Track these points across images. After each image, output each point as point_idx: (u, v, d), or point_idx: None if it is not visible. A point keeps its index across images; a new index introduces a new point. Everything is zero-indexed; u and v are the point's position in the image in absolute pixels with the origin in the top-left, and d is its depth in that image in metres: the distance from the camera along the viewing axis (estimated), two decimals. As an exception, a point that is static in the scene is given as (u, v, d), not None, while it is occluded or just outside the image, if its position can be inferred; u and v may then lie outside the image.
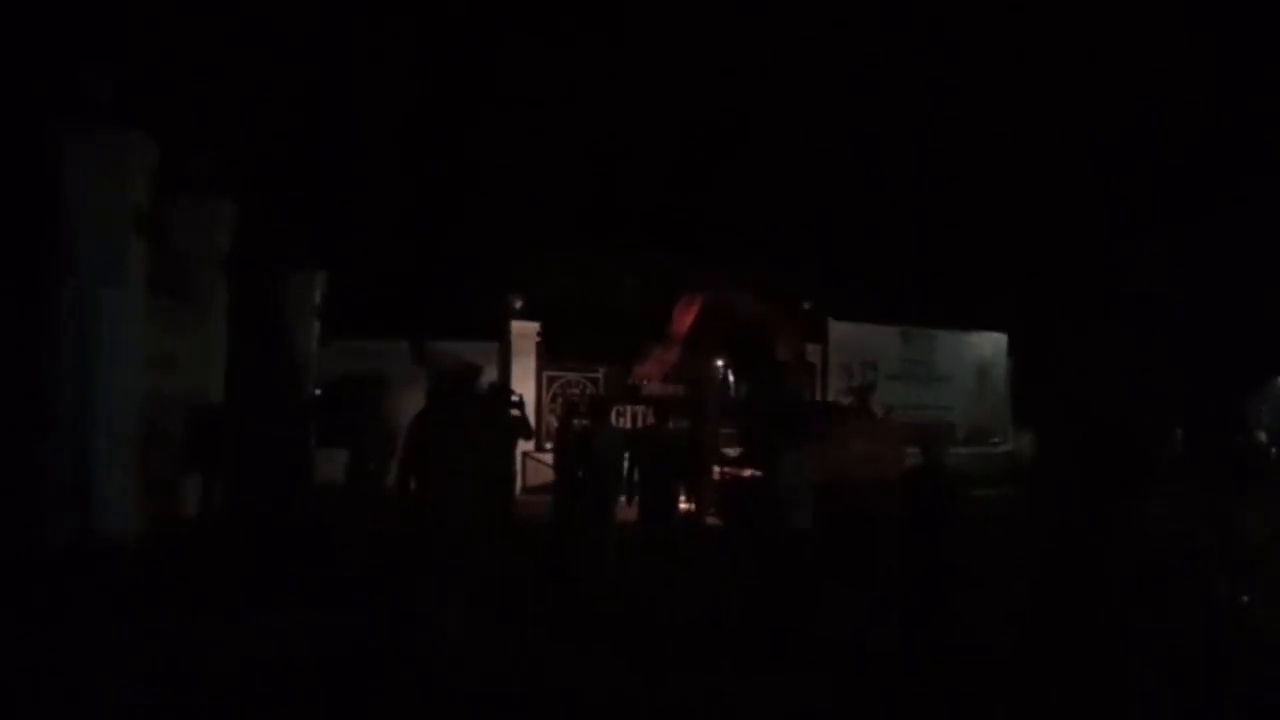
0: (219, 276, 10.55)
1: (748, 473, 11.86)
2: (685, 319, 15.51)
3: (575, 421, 8.46)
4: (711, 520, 10.72)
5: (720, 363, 15.73)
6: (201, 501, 8.51)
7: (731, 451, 12.44)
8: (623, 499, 7.32)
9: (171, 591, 6.04)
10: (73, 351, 7.24)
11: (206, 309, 10.22)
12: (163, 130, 8.08)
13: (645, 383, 15.04)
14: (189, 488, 8.76)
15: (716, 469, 11.60)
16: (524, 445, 11.10)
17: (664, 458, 7.39)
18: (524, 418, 8.19)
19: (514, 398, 8.40)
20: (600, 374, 15.62)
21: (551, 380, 15.46)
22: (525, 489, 12.87)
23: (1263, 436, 22.09)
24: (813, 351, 16.47)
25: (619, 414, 14.40)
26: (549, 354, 15.48)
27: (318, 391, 12.84)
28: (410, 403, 9.41)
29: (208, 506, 8.47)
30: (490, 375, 13.95)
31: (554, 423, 14.04)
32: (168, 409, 8.70)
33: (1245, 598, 3.96)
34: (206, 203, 10.27)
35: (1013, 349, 20.16)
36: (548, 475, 10.21)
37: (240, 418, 9.36)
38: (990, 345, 19.97)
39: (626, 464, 7.24)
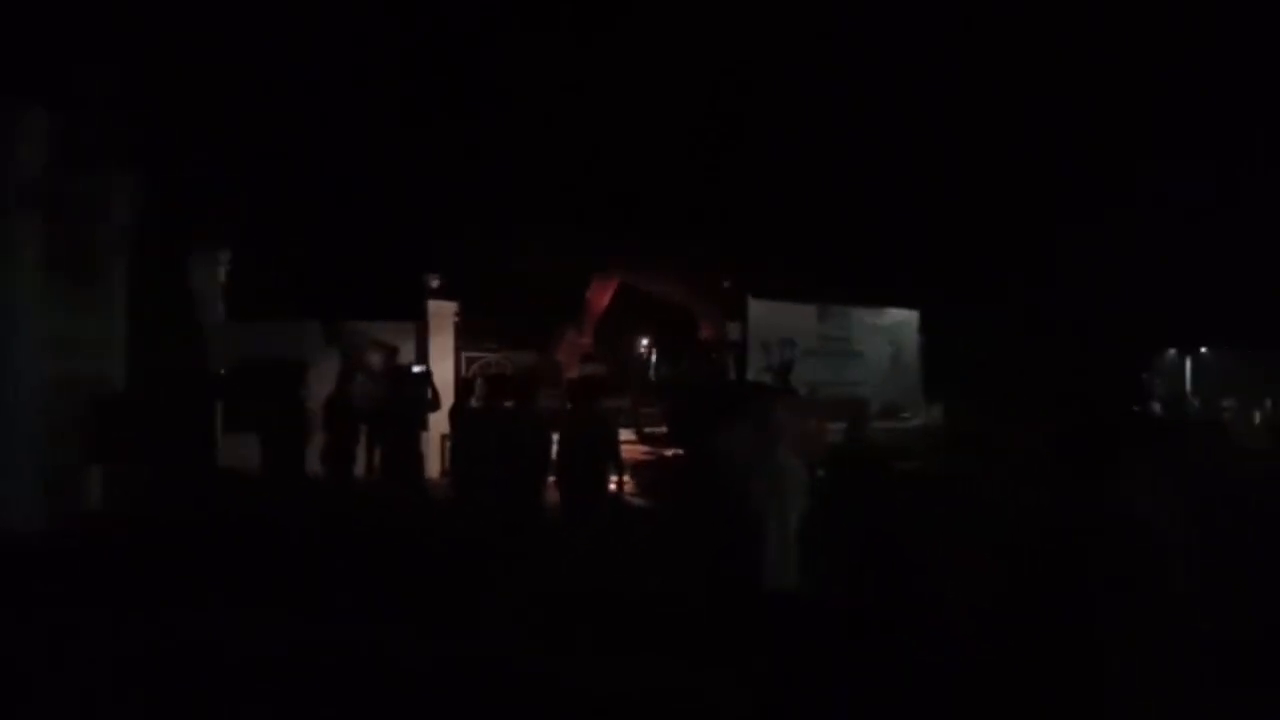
0: (120, 254, 9.99)
1: (670, 452, 11.93)
2: (600, 300, 15.35)
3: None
4: (635, 500, 10.72)
5: (644, 341, 15.72)
6: (105, 494, 8.09)
7: (655, 430, 12.47)
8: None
9: (91, 592, 5.67)
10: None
11: (107, 288, 9.66)
12: (56, 99, 7.60)
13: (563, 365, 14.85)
14: (92, 479, 8.32)
15: (641, 448, 11.63)
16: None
17: (591, 439, 7.33)
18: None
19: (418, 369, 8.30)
20: (527, 354, 15.26)
21: (470, 361, 15.18)
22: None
23: (1157, 408, 23.29)
24: (733, 329, 16.56)
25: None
26: (467, 334, 15.18)
27: (221, 373, 12.34)
28: (321, 385, 9.17)
29: (113, 499, 8.06)
30: (406, 355, 13.65)
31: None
32: (68, 395, 8.23)
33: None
34: (105, 176, 9.69)
35: (923, 326, 20.68)
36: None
37: (143, 403, 8.94)
38: (902, 322, 20.43)
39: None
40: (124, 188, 9.84)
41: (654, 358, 16.24)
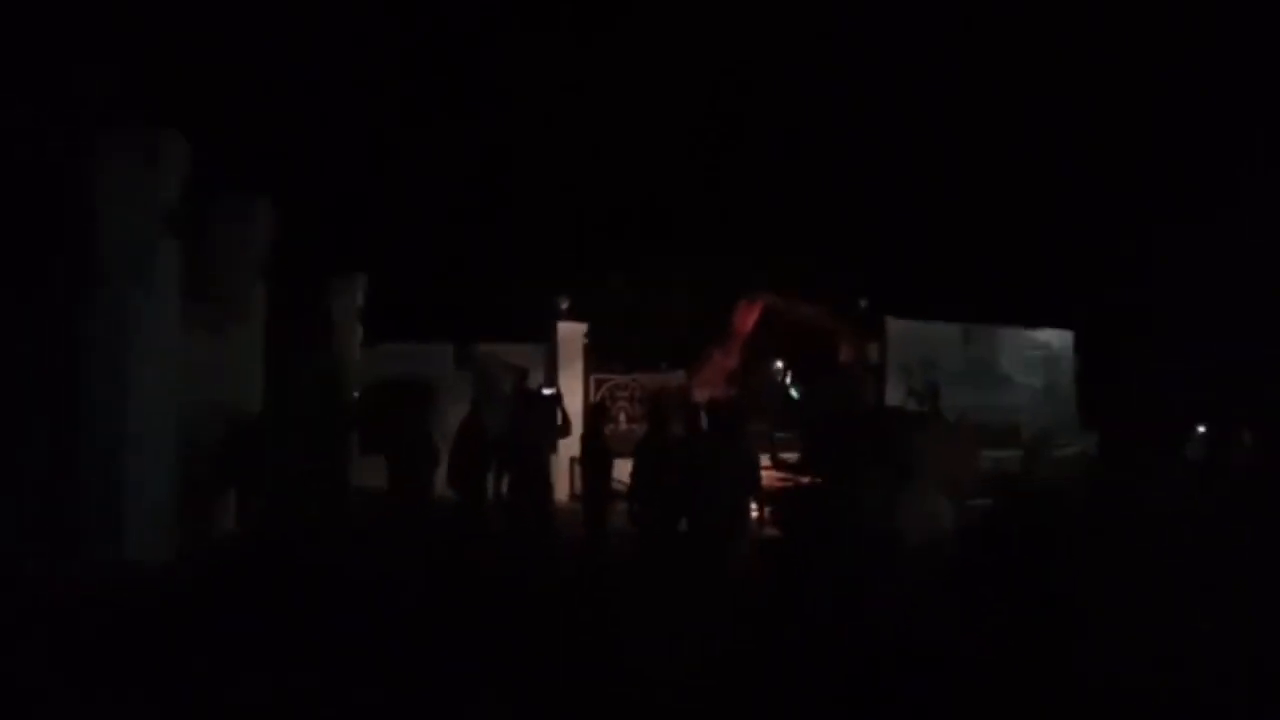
0: (258, 280, 10.18)
1: (807, 480, 11.27)
2: (747, 321, 14.87)
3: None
4: (770, 531, 10.13)
5: (779, 365, 15.14)
6: (239, 518, 8.11)
7: (789, 456, 11.85)
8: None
9: (215, 633, 5.50)
10: (103, 362, 6.86)
11: (245, 314, 9.83)
12: (197, 128, 7.71)
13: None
14: (225, 503, 8.37)
15: (775, 475, 11.03)
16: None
17: (734, 467, 6.87)
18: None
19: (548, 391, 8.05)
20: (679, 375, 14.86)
21: (599, 383, 14.94)
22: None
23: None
24: (872, 351, 15.76)
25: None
26: (598, 357, 14.96)
27: (356, 396, 12.47)
28: (453, 408, 9.01)
29: (247, 524, 8.07)
30: (536, 379, 13.53)
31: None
32: (206, 420, 8.31)
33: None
34: (244, 203, 9.89)
35: (1080, 346, 19.30)
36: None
37: (281, 427, 8.99)
38: (1056, 342, 19.12)
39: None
40: (264, 214, 10.03)
41: (790, 380, 15.59)
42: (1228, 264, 20.35)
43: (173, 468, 7.24)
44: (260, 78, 10.25)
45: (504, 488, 8.44)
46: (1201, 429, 18.97)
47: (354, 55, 13.13)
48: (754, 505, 8.44)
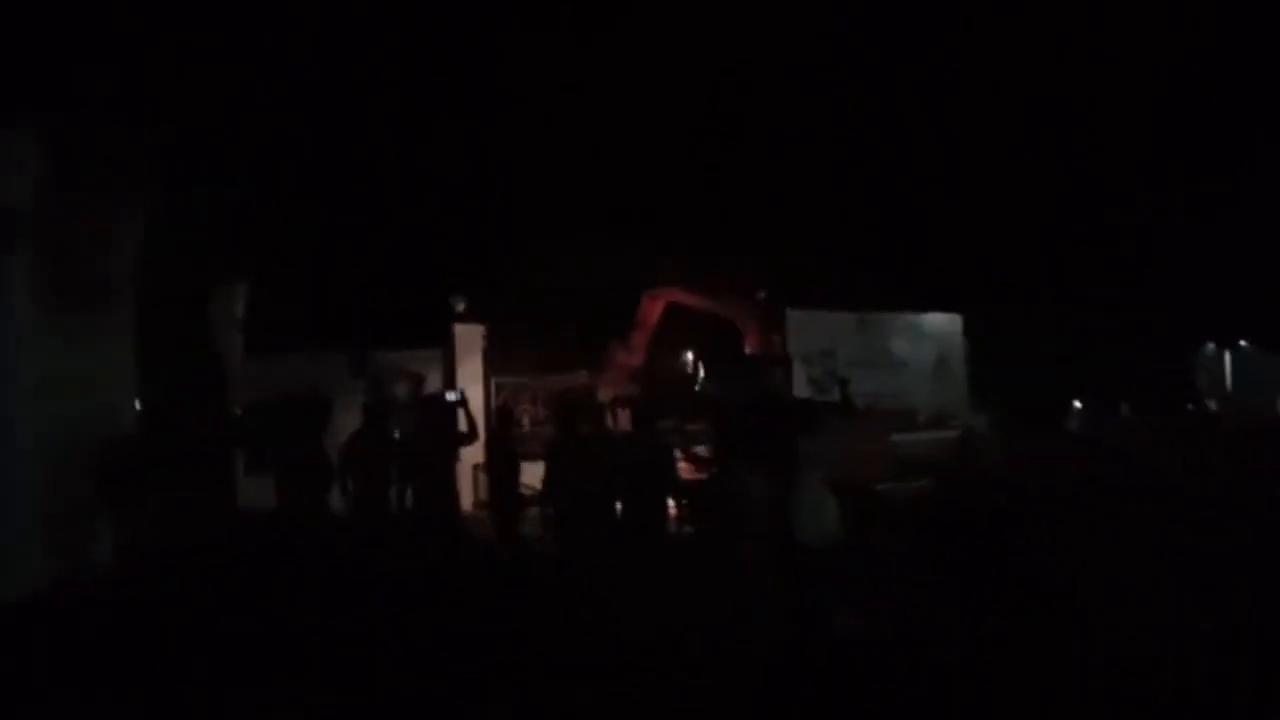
0: (127, 287, 9.33)
1: (718, 472, 11.15)
2: (651, 315, 14.65)
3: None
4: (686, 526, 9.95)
5: (687, 357, 15.02)
6: (117, 542, 7.39)
7: (700, 450, 11.72)
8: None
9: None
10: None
11: (113, 323, 8.98)
12: (53, 122, 6.99)
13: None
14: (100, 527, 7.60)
15: (687, 468, 10.87)
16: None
17: (650, 464, 6.66)
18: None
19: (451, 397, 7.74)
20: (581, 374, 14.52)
21: (500, 387, 14.50)
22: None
23: (1213, 405, 22.25)
24: (776, 342, 15.80)
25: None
26: (498, 359, 14.50)
27: (239, 412, 11.71)
28: (345, 422, 8.50)
29: (125, 549, 7.35)
30: (433, 384, 13.04)
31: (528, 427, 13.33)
32: (72, 438, 7.55)
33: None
34: (109, 205, 9.05)
35: (968, 329, 19.88)
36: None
37: (157, 445, 8.27)
38: (946, 326, 19.66)
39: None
40: (132, 215, 9.21)
41: (699, 374, 15.49)
42: (1109, 243, 21.24)
43: (30, 489, 6.51)
44: (127, 68, 9.39)
45: (407, 501, 8.01)
46: (1078, 404, 19.99)
47: (232, 44, 12.26)
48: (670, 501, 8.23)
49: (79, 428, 7.59)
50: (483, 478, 12.52)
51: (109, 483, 7.60)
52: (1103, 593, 5.44)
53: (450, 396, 8.30)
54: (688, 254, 15.16)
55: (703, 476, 10.62)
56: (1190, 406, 22.87)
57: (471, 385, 13.64)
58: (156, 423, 8.71)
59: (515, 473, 9.17)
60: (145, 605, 5.85)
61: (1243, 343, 25.21)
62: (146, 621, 5.45)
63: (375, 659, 5.25)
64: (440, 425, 8.23)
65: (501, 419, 10.07)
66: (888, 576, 5.80)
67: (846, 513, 6.12)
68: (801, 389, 15.50)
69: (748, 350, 15.35)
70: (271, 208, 12.96)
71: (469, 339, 14.38)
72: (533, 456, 9.08)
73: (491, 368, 14.46)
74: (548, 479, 7.00)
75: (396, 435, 8.98)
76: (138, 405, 8.96)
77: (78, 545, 7.32)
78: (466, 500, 11.53)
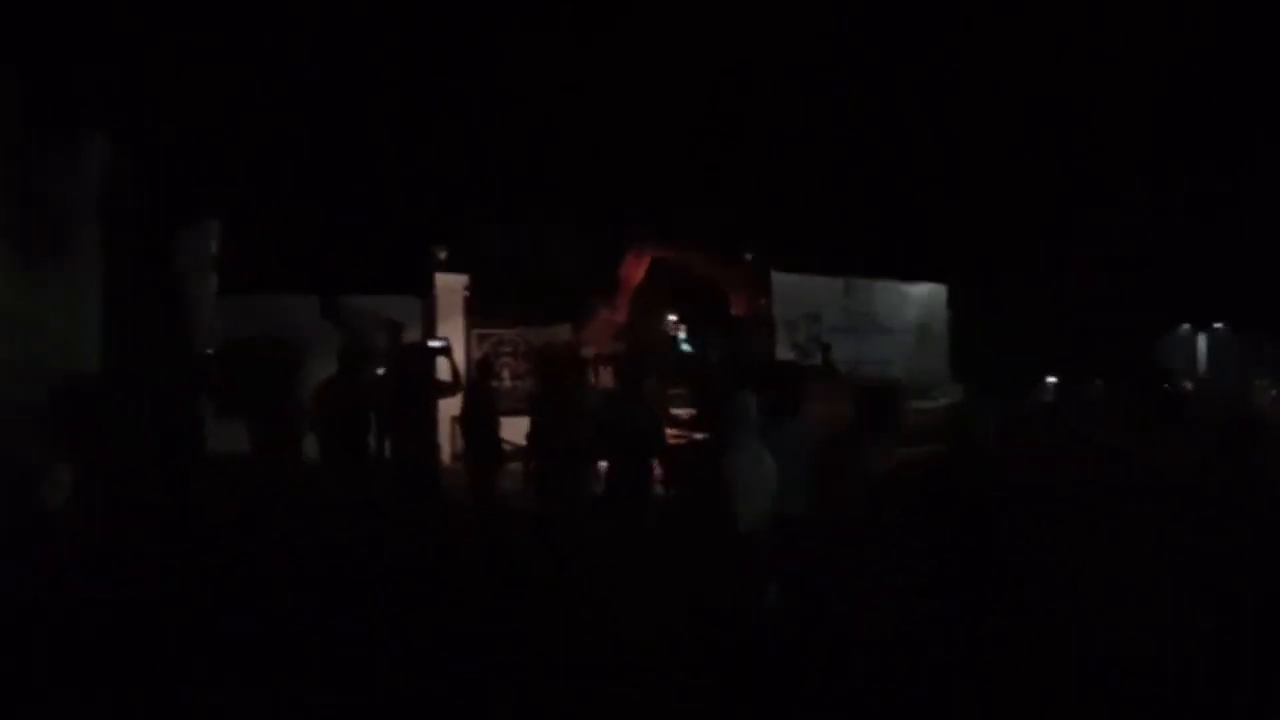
0: (91, 223, 8.91)
1: (700, 436, 10.99)
2: (635, 274, 14.35)
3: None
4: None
5: (671, 318, 14.77)
6: (74, 493, 7.09)
7: (682, 413, 11.53)
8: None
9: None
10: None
11: (75, 261, 8.59)
12: (18, 56, 6.58)
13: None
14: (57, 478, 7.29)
15: (670, 432, 10.69)
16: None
17: (637, 426, 6.47)
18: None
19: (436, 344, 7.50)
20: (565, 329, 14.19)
21: (482, 339, 14.19)
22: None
23: (1189, 386, 22.42)
24: (761, 305, 15.58)
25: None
26: (480, 311, 14.17)
27: (210, 353, 11.34)
28: (319, 366, 8.21)
29: (82, 499, 7.06)
30: (412, 334, 12.72)
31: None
32: (30, 381, 7.23)
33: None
34: (72, 138, 8.61)
35: (951, 300, 19.77)
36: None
37: (122, 389, 7.94)
38: (930, 296, 19.51)
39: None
40: (96, 148, 8.76)
41: (682, 334, 15.25)
42: (1088, 226, 21.28)
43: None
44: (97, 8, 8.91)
45: (386, 450, 7.75)
46: (1051, 379, 20.15)
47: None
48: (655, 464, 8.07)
49: (36, 370, 7.26)
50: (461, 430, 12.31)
51: (69, 429, 7.29)
52: (1084, 578, 5.37)
53: (434, 343, 8.03)
54: (674, 211, 14.88)
55: (682, 441, 10.43)
56: (1165, 386, 23.00)
57: (453, 336, 13.34)
58: (121, 364, 8.36)
59: (495, 426, 8.93)
60: (104, 559, 5.59)
61: (1217, 324, 25.40)
62: (105, 579, 5.20)
63: (345, 619, 5.06)
64: (421, 373, 7.97)
65: (482, 371, 9.80)
66: (868, 548, 5.64)
67: (828, 481, 5.95)
68: (784, 353, 15.34)
69: (733, 312, 15.12)
70: (247, 145, 12.54)
71: (451, 289, 14.04)
72: (512, 411, 8.87)
73: (473, 319, 14.14)
74: (531, 434, 6.81)
75: (374, 383, 8.69)
76: (101, 345, 8.62)
77: (35, 495, 7.02)
78: (445, 453, 11.31)
